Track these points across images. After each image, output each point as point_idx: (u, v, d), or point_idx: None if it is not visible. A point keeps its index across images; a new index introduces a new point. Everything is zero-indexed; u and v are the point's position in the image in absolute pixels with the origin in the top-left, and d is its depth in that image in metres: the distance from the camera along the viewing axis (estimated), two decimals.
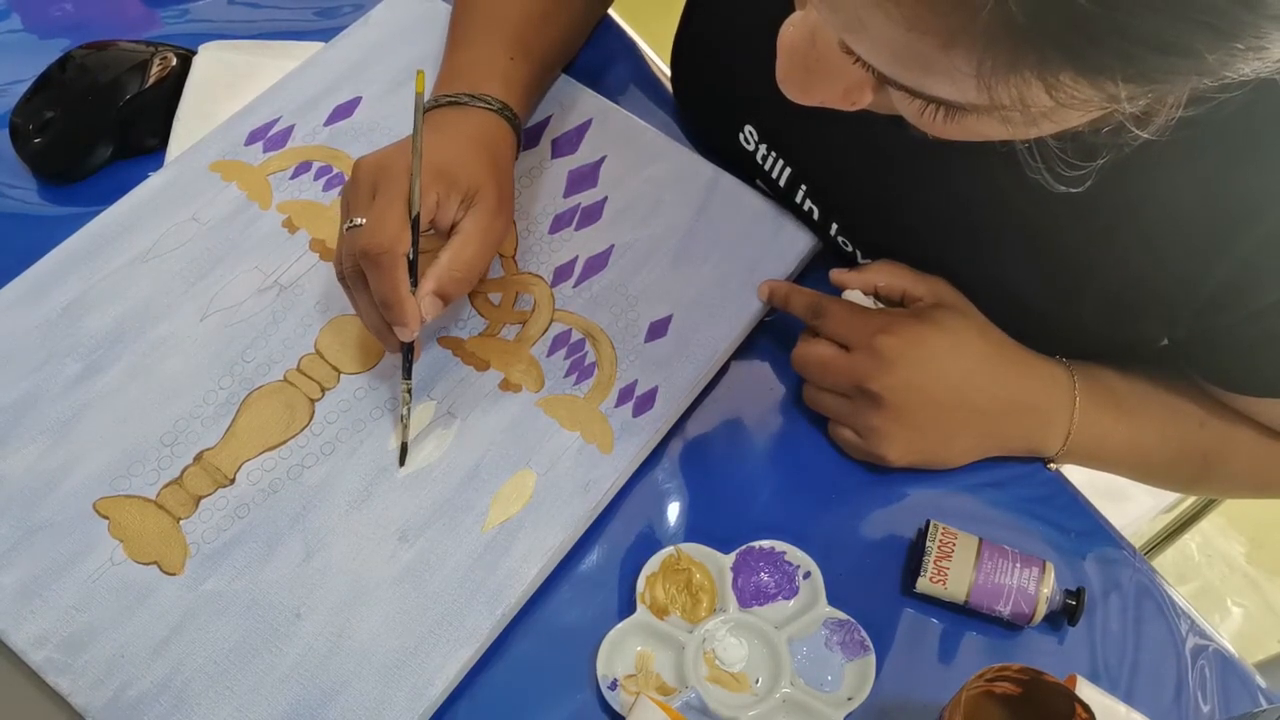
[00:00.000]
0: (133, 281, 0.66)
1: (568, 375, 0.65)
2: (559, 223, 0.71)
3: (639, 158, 0.74)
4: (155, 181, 0.70)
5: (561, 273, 0.69)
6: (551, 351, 0.66)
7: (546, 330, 0.67)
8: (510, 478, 0.61)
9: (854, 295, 0.65)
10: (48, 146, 0.71)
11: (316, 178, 0.71)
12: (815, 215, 0.70)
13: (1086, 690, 0.56)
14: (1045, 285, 0.61)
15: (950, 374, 0.61)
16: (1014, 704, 0.54)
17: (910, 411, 0.61)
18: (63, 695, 0.54)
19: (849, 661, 0.59)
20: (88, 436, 0.61)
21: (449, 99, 0.64)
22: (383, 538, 0.59)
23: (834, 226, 0.70)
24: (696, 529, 0.63)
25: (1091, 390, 0.64)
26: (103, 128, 0.72)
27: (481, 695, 0.58)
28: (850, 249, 0.70)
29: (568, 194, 0.72)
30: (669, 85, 0.79)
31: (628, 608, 0.60)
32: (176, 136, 0.74)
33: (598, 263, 0.69)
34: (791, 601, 0.61)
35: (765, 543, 0.62)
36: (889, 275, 0.65)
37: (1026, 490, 0.66)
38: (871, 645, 0.59)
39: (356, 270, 0.58)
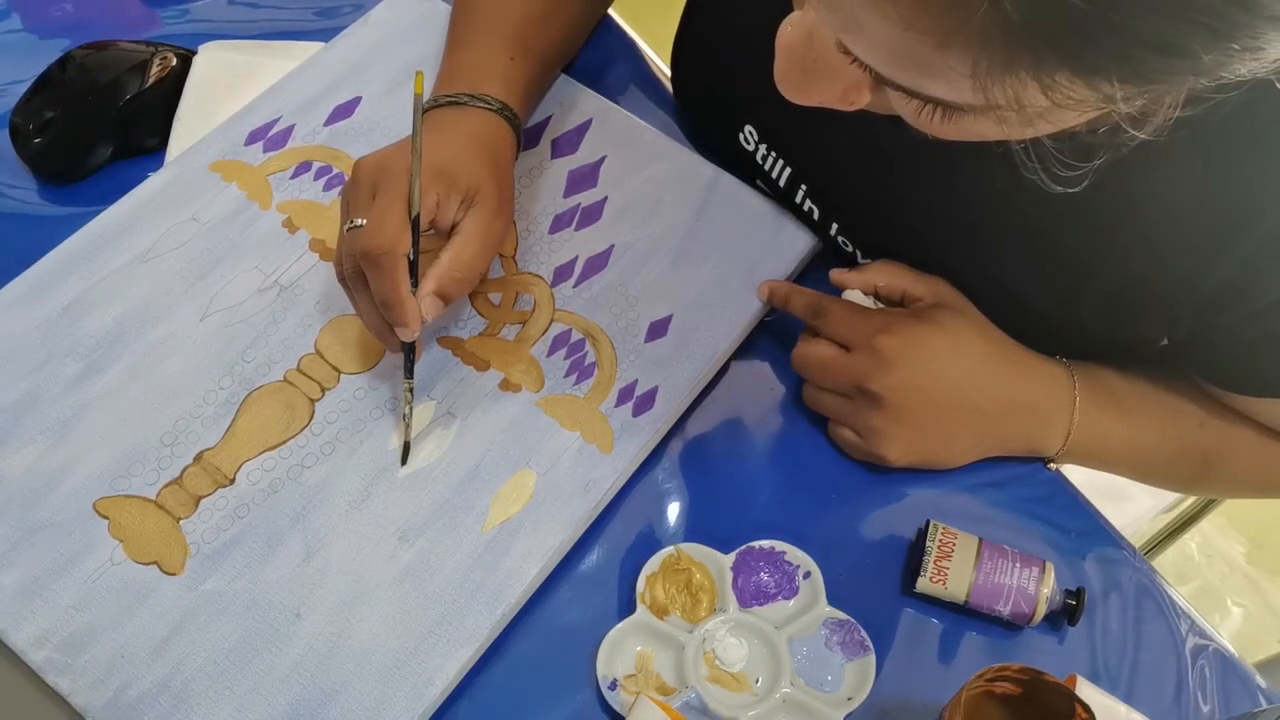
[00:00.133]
0: (133, 281, 0.66)
1: (568, 375, 0.65)
2: (559, 223, 0.71)
3: (639, 158, 0.74)
4: (155, 181, 0.70)
5: (561, 273, 0.69)
6: (551, 351, 0.66)
7: (546, 330, 0.67)
8: (510, 478, 0.61)
9: (854, 295, 0.65)
10: (48, 146, 0.71)
11: (316, 178, 0.71)
12: (815, 215, 0.70)
13: (1086, 690, 0.56)
14: (1045, 285, 0.61)
15: (950, 374, 0.61)
16: (1014, 704, 0.54)
17: (910, 411, 0.61)
18: (63, 695, 0.54)
19: (849, 661, 0.59)
20: (88, 436, 0.61)
21: (449, 99, 0.64)
22: (383, 538, 0.59)
23: (834, 226, 0.70)
24: (696, 529, 0.63)
25: (1091, 390, 0.64)
26: (103, 128, 0.72)
27: (481, 695, 0.58)
28: (850, 249, 0.70)
29: (568, 194, 0.72)
30: (669, 85, 0.79)
31: (628, 608, 0.60)
32: (176, 136, 0.74)
33: (598, 263, 0.69)
34: (791, 601, 0.61)
35: (765, 543, 0.62)
36: (889, 275, 0.65)
37: (1026, 490, 0.66)
38: (871, 645, 0.59)
39: (357, 271, 0.58)
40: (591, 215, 0.71)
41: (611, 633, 0.58)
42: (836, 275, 0.66)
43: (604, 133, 0.75)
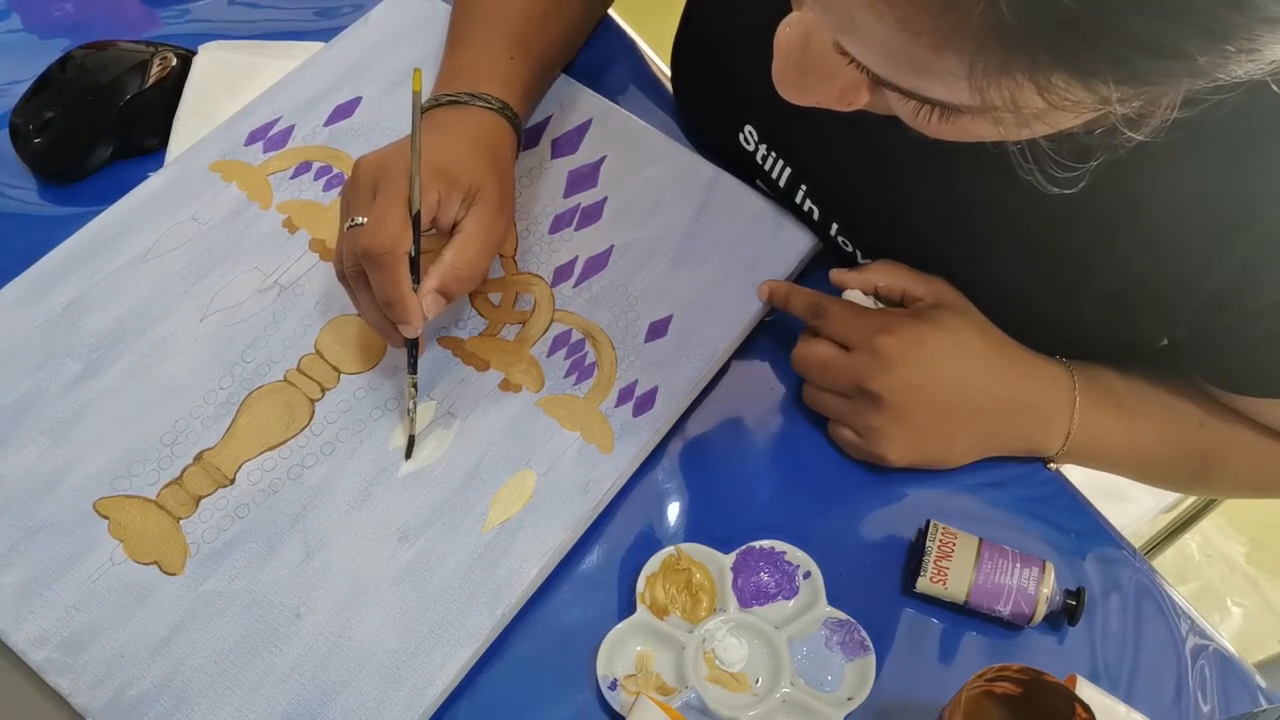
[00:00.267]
0: (133, 281, 0.66)
1: (568, 375, 0.65)
2: (559, 223, 0.71)
3: (639, 158, 0.74)
4: (155, 181, 0.70)
5: (561, 273, 0.69)
6: (551, 351, 0.66)
7: (546, 330, 0.67)
8: (510, 478, 0.61)
9: (854, 295, 0.65)
10: (48, 146, 0.71)
11: (316, 178, 0.71)
12: (815, 215, 0.70)
13: (1086, 690, 0.56)
14: (1045, 285, 0.61)
15: (950, 374, 0.61)
16: (1014, 704, 0.54)
17: (910, 411, 0.61)
18: (63, 695, 0.54)
19: (849, 661, 0.59)
20: (88, 436, 0.61)
21: (449, 98, 0.64)
22: (383, 538, 0.59)
23: (834, 226, 0.70)
24: (696, 529, 0.63)
25: (1091, 390, 0.64)
26: (103, 128, 0.72)
27: (481, 695, 0.58)
28: (850, 249, 0.70)
29: (568, 194, 0.72)
30: (669, 85, 0.79)
31: (628, 608, 0.60)
32: (176, 136, 0.74)
33: (598, 263, 0.69)
34: (791, 601, 0.61)
35: (765, 543, 0.62)
36: (889, 275, 0.65)
37: (1026, 490, 0.66)
38: (871, 645, 0.59)
39: (358, 269, 0.58)
40: (591, 215, 0.71)
41: (611, 633, 0.58)
42: (836, 275, 0.66)
43: (604, 133, 0.75)
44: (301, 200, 0.70)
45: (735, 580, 0.61)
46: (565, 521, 0.60)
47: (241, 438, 0.62)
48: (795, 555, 0.61)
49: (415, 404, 0.62)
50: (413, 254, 0.57)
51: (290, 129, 0.73)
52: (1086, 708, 0.50)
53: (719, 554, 0.61)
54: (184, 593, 0.57)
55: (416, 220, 0.57)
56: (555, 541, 0.60)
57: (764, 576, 0.61)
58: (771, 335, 0.70)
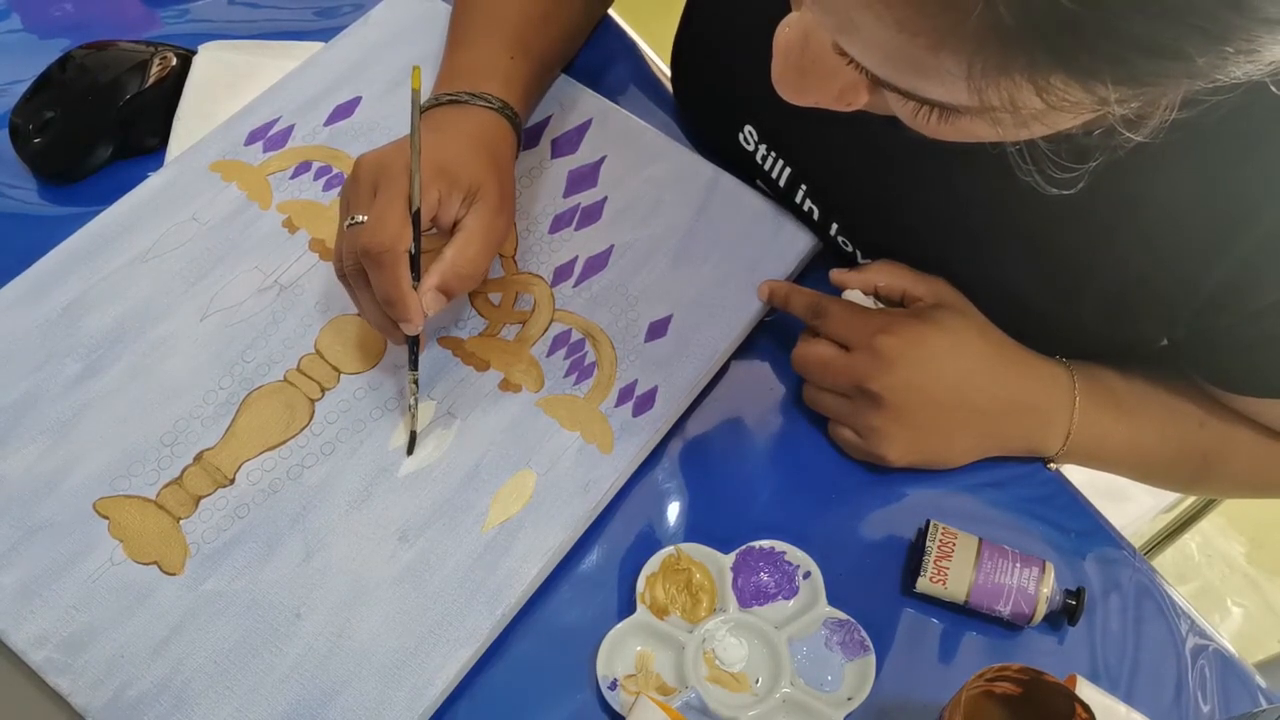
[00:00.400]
0: (133, 281, 0.66)
1: (568, 375, 0.65)
2: (559, 223, 0.71)
3: (639, 158, 0.74)
4: (155, 181, 0.70)
5: (561, 273, 0.69)
6: (551, 351, 0.66)
7: (546, 330, 0.67)
8: (510, 478, 0.61)
9: (854, 295, 0.65)
10: (48, 146, 0.71)
11: (316, 178, 0.71)
12: (815, 215, 0.70)
13: (1086, 690, 0.56)
14: (1045, 285, 0.61)
15: (950, 374, 0.61)
16: (1014, 704, 0.54)
17: (910, 411, 0.61)
18: (63, 695, 0.54)
19: (849, 661, 0.59)
20: (88, 436, 0.61)
21: (449, 98, 0.64)
22: (383, 538, 0.59)
23: (834, 226, 0.70)
24: (696, 529, 0.63)
25: (1091, 390, 0.64)
26: (103, 128, 0.72)
27: (481, 695, 0.58)
28: (850, 249, 0.70)
29: (568, 194, 0.72)
30: (669, 85, 0.79)
31: (628, 608, 0.60)
32: (176, 136, 0.74)
33: (598, 263, 0.69)
34: (791, 601, 0.61)
35: (765, 543, 0.62)
36: (889, 275, 0.65)
37: (1026, 490, 0.66)
38: (871, 645, 0.59)
39: (358, 268, 0.58)
40: (591, 215, 0.71)
41: (611, 633, 0.58)
42: (836, 275, 0.66)
43: (604, 133, 0.75)
44: (301, 200, 0.70)
45: (735, 580, 0.61)
46: (565, 521, 0.60)
47: (241, 438, 0.62)
48: (795, 555, 0.61)
49: (417, 400, 0.62)
50: (413, 252, 0.57)
51: (290, 129, 0.73)
52: (1086, 708, 0.51)
53: (719, 554, 0.61)
54: (184, 593, 0.57)
55: (416, 218, 0.57)
56: (555, 541, 0.60)
57: (764, 576, 0.61)
58: (771, 335, 0.70)
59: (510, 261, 0.69)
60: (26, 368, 0.63)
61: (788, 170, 0.70)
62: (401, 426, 0.63)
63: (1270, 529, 1.58)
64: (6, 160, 0.72)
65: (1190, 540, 1.51)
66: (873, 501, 0.65)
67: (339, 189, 0.70)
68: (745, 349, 0.69)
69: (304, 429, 0.62)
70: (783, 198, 0.72)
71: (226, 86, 0.75)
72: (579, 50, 0.79)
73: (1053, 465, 0.67)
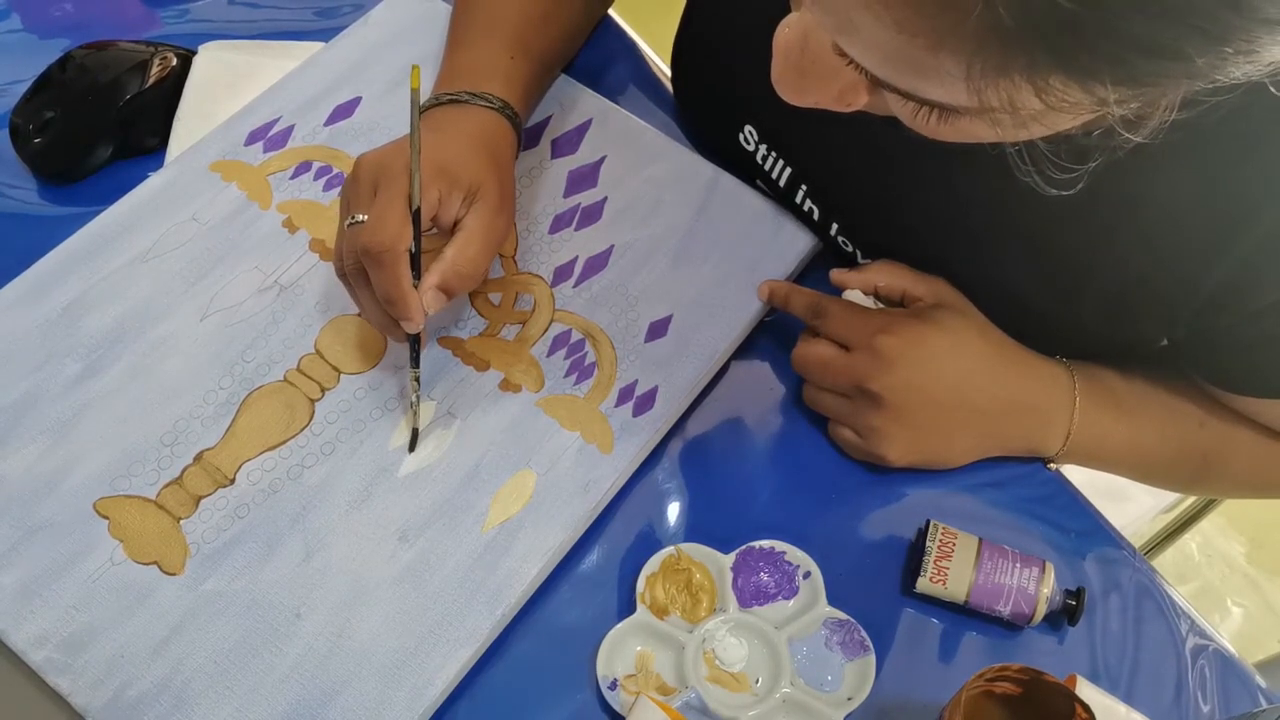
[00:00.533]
0: (133, 281, 0.66)
1: (568, 375, 0.65)
2: (559, 223, 0.71)
3: (639, 158, 0.74)
4: (155, 181, 0.70)
5: (561, 273, 0.69)
6: (551, 351, 0.66)
7: (546, 330, 0.67)
8: (510, 478, 0.61)
9: (854, 295, 0.65)
10: (48, 146, 0.71)
11: (316, 178, 0.71)
12: (815, 215, 0.70)
13: (1086, 690, 0.56)
14: (1045, 285, 0.61)
15: (950, 374, 0.61)
16: (1014, 704, 0.54)
17: (910, 411, 0.61)
18: (63, 695, 0.54)
19: (849, 661, 0.59)
20: (88, 436, 0.61)
21: (450, 97, 0.64)
22: (383, 538, 0.59)
23: (834, 226, 0.70)
24: (696, 529, 0.63)
25: (1091, 390, 0.64)
26: (103, 128, 0.72)
27: (481, 695, 0.58)
28: (850, 249, 0.70)
29: (568, 194, 0.72)
30: (669, 85, 0.79)
31: (628, 608, 0.60)
32: (176, 136, 0.74)
33: (598, 263, 0.69)
34: (791, 601, 0.61)
35: (765, 543, 0.62)
36: (889, 275, 0.65)
37: (1026, 490, 0.66)
38: (871, 645, 0.59)
39: (358, 267, 0.58)
40: (591, 215, 0.71)
41: (611, 633, 0.58)
42: (836, 275, 0.66)
43: (604, 133, 0.75)
44: (301, 200, 0.70)
45: (735, 580, 0.61)
46: (565, 521, 0.60)
47: (241, 438, 0.62)
48: (795, 555, 0.61)
49: (419, 397, 0.62)
50: (413, 251, 0.57)
51: (290, 129, 0.73)
52: (1086, 708, 0.51)
53: (719, 554, 0.61)
54: (184, 593, 0.57)
55: (417, 217, 0.57)
56: (555, 541, 0.60)
57: (764, 576, 0.61)
58: (771, 335, 0.70)
59: (510, 261, 0.69)
60: (26, 368, 0.63)
61: (788, 170, 0.70)
62: (403, 425, 0.63)
63: (1270, 529, 1.58)
64: (6, 160, 0.72)
65: (1190, 540, 1.51)
66: (873, 501, 0.65)
67: (339, 189, 0.70)
68: (745, 349, 0.69)
69: (304, 429, 0.62)
70: (783, 198, 0.72)
71: (226, 86, 0.75)
72: (579, 50, 0.79)
73: (1053, 465, 0.67)
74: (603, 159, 0.74)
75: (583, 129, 0.75)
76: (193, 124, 0.74)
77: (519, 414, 0.64)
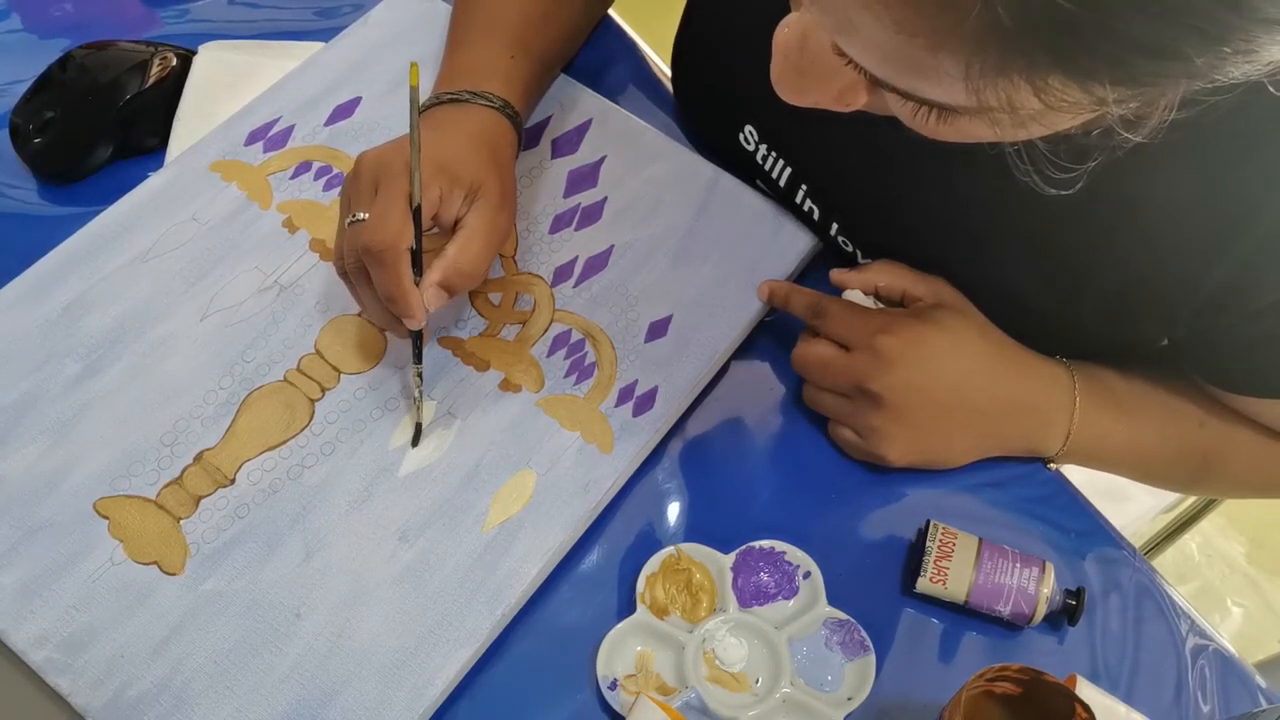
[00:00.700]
0: (133, 281, 0.66)
1: (568, 375, 0.65)
2: (559, 223, 0.71)
3: (639, 158, 0.74)
4: (155, 181, 0.70)
5: (561, 273, 0.69)
6: (551, 351, 0.66)
7: (546, 330, 0.67)
8: (510, 478, 0.61)
9: (854, 295, 0.65)
10: (48, 146, 0.71)
11: (316, 178, 0.71)
12: (815, 215, 0.70)
13: (1086, 690, 0.56)
14: (1045, 285, 0.61)
15: (950, 374, 0.61)
16: (1014, 704, 0.54)
17: (910, 411, 0.61)
18: (63, 695, 0.54)
19: (849, 661, 0.59)
20: (88, 436, 0.61)
21: (450, 96, 0.64)
22: (383, 538, 0.59)
23: (834, 226, 0.70)
24: (696, 529, 0.63)
25: (1091, 390, 0.64)
26: (103, 128, 0.72)
27: (481, 695, 0.58)
28: (850, 249, 0.70)
29: (568, 194, 0.72)
30: (669, 85, 0.79)
31: (628, 608, 0.60)
32: (176, 136, 0.74)
33: (598, 263, 0.69)
34: (791, 601, 0.61)
35: (765, 543, 0.62)
36: (889, 275, 0.65)
37: (1026, 490, 0.66)
38: (871, 645, 0.59)
39: (359, 265, 0.58)
40: (591, 215, 0.71)
41: (611, 633, 0.58)
42: (836, 275, 0.66)
43: (604, 133, 0.75)
44: (301, 200, 0.70)
45: (735, 580, 0.61)
46: (565, 521, 0.60)
47: (241, 438, 0.62)
48: (795, 555, 0.61)
49: (422, 392, 0.62)
50: (414, 248, 0.57)
51: (290, 129, 0.73)
52: (1086, 708, 0.51)
53: (719, 554, 0.61)
54: (184, 593, 0.57)
55: (417, 214, 0.57)
56: (555, 541, 0.60)
57: (764, 576, 0.61)
58: (771, 335, 0.70)
59: (510, 261, 0.69)
60: (26, 368, 0.63)
61: (788, 170, 0.70)
62: (406, 421, 0.63)
63: (1270, 529, 1.58)
64: (6, 160, 0.72)
65: (1190, 540, 1.51)
66: (873, 501, 0.65)
67: (339, 189, 0.70)
68: (745, 349, 0.69)
69: (304, 429, 0.62)
70: (783, 198, 0.72)
71: (226, 86, 0.75)
72: (579, 50, 0.79)
73: (1053, 465, 0.67)
74: (603, 159, 0.74)
75: (583, 129, 0.75)
76: (193, 124, 0.74)
77: (519, 414, 0.64)
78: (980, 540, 0.61)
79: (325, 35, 0.78)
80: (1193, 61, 0.31)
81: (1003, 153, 0.42)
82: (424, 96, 0.66)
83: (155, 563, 0.58)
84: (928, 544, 0.60)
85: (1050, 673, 0.52)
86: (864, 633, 0.59)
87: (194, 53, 0.76)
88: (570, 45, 0.77)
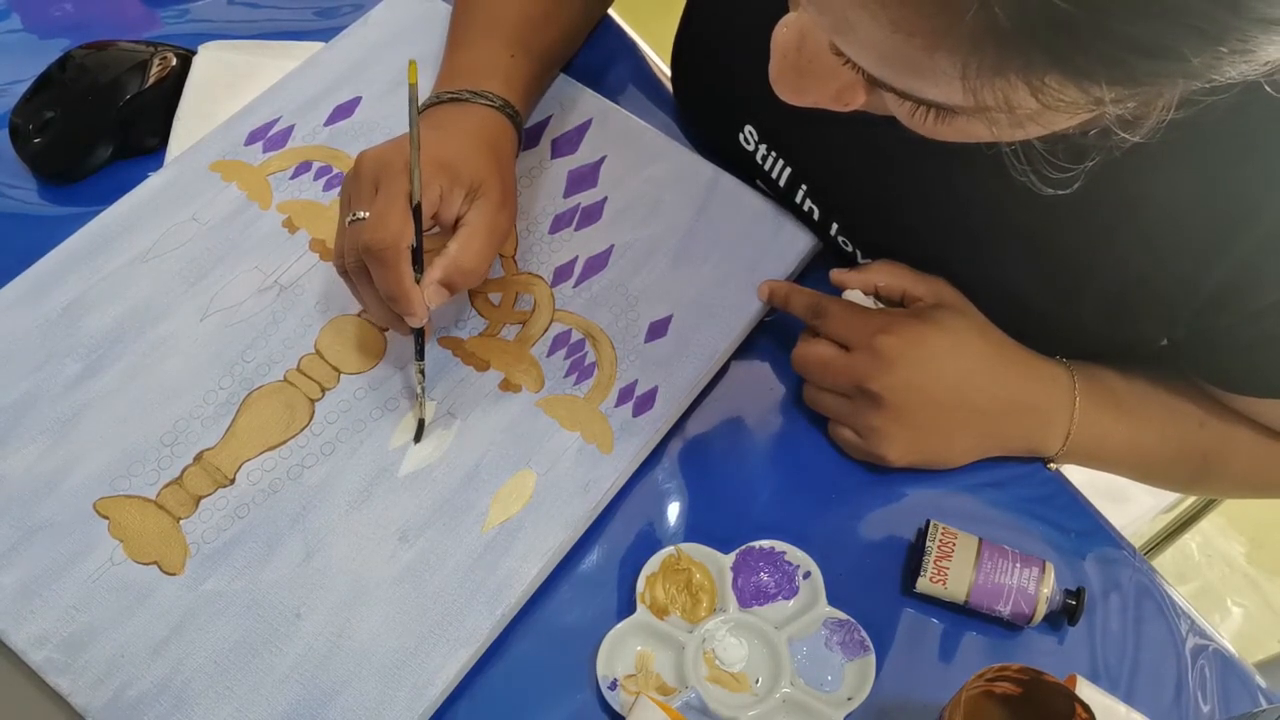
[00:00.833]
0: (133, 281, 0.66)
1: (568, 375, 0.65)
2: (559, 223, 0.71)
3: (639, 158, 0.74)
4: (155, 181, 0.70)
5: (561, 273, 0.69)
6: (551, 351, 0.66)
7: (546, 330, 0.67)
8: (510, 478, 0.61)
9: (854, 295, 0.65)
10: (48, 146, 0.71)
11: (316, 178, 0.71)
12: (815, 215, 0.70)
13: (1086, 690, 0.56)
14: (1045, 285, 0.61)
15: (950, 374, 0.61)
16: (1014, 704, 0.54)
17: (910, 411, 0.61)
18: (63, 695, 0.54)
19: (849, 661, 0.59)
20: (88, 436, 0.61)
21: (450, 95, 0.64)
22: (383, 538, 0.59)
23: (834, 226, 0.70)
24: (696, 529, 0.63)
25: (1091, 390, 0.64)
26: (103, 128, 0.72)
27: (481, 695, 0.58)
28: (850, 249, 0.70)
29: (568, 194, 0.72)
30: (669, 85, 0.79)
31: (628, 608, 0.60)
32: (176, 136, 0.74)
33: (598, 263, 0.69)
34: (791, 601, 0.61)
35: (765, 543, 0.62)
36: (889, 275, 0.65)
37: (1026, 490, 0.66)
38: (871, 645, 0.59)
39: (359, 264, 0.58)
40: (591, 215, 0.71)
41: (611, 633, 0.58)
42: (836, 275, 0.66)
43: (604, 133, 0.75)
44: (301, 200, 0.70)
45: (735, 580, 0.61)
46: (565, 521, 0.60)
47: (241, 438, 0.62)
48: (795, 555, 0.61)
49: (424, 389, 0.62)
50: (414, 246, 0.57)
51: (290, 129, 0.73)
52: (1086, 708, 0.51)
53: (719, 554, 0.61)
54: (184, 593, 0.57)
55: (418, 212, 0.57)
56: (555, 541, 0.60)
57: (764, 576, 0.61)
58: (771, 335, 0.70)
59: (510, 261, 0.69)
60: (26, 368, 0.63)
61: (788, 170, 0.70)
62: (408, 418, 0.63)
63: (1270, 529, 1.58)
64: (6, 160, 0.72)
65: (1190, 540, 1.51)
66: (873, 501, 0.65)
67: (339, 189, 0.70)
68: (745, 349, 0.69)
69: (304, 429, 0.62)
70: (783, 198, 0.72)
71: (226, 86, 0.75)
72: (579, 50, 0.79)
73: (1053, 465, 0.67)
74: (603, 159, 0.74)
75: (583, 129, 0.75)
76: (193, 124, 0.74)
77: (519, 414, 0.64)
78: (980, 540, 0.61)
79: (325, 35, 0.78)
80: (1189, 61, 0.31)
81: (999, 153, 0.42)
82: (424, 96, 0.66)
83: (155, 563, 0.58)
84: (928, 544, 0.60)
85: (1050, 673, 0.52)
86: (864, 633, 0.59)
87: (194, 53, 0.76)
88: (570, 45, 0.77)
